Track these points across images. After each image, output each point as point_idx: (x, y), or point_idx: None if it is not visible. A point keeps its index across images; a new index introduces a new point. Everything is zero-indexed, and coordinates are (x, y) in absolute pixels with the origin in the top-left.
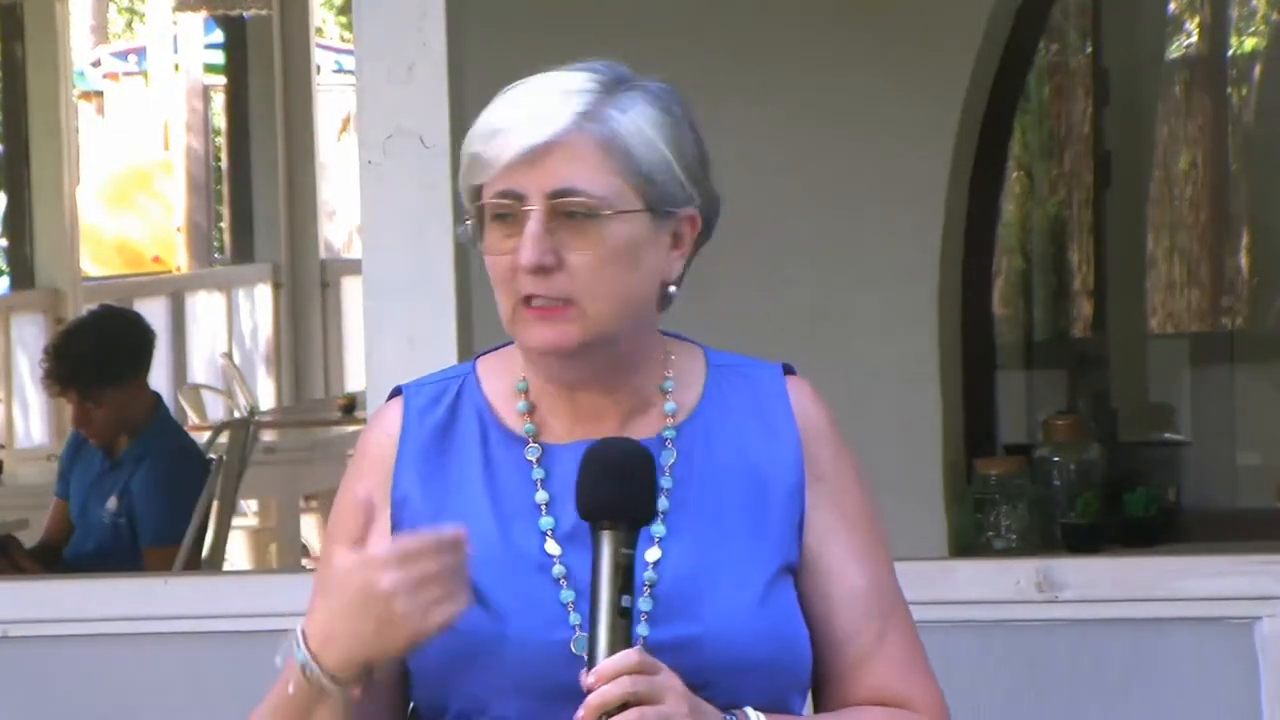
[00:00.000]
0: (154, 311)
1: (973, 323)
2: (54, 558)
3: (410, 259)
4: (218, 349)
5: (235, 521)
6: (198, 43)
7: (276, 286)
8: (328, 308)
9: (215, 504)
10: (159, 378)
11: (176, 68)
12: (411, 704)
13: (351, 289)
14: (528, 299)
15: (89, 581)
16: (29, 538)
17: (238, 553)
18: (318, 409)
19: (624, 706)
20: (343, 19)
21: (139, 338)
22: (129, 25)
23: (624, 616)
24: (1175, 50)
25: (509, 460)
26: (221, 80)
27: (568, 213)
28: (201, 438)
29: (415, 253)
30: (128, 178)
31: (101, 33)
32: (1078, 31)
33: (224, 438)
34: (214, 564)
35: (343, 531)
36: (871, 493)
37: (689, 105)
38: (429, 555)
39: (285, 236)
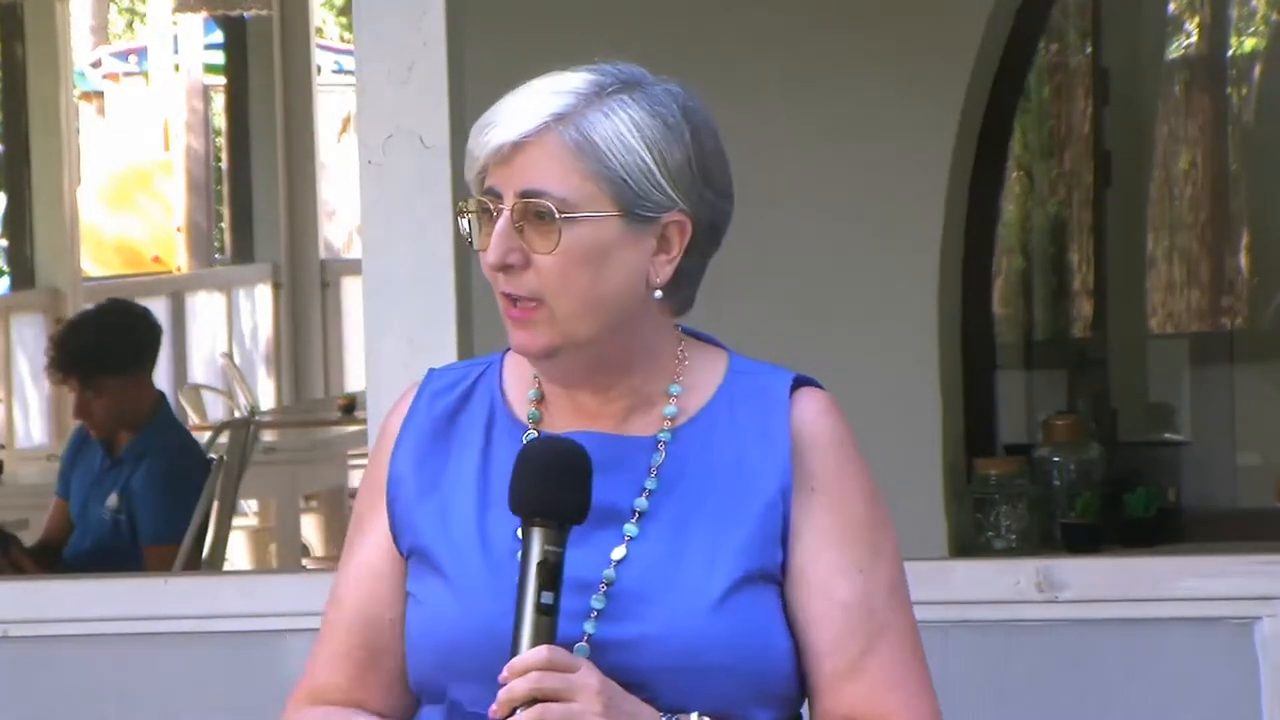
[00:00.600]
0: (154, 311)
1: (973, 323)
2: (54, 557)
3: (410, 259)
4: (218, 349)
5: (235, 521)
6: (198, 43)
7: (276, 286)
8: (328, 308)
9: (215, 504)
10: (159, 378)
11: (176, 68)
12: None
13: (351, 289)
14: (507, 300)
15: (89, 581)
16: (29, 538)
17: (238, 553)
18: (318, 409)
19: (534, 702)
20: (343, 19)
21: (143, 330)
22: (129, 25)
23: (545, 614)
24: (1175, 50)
25: (508, 448)
26: (221, 80)
27: (536, 213)
28: (202, 438)
29: (415, 253)
30: (128, 178)
31: (102, 33)
32: (1078, 31)
33: (224, 438)
34: (214, 564)
35: (357, 521)
36: (881, 509)
37: (700, 110)
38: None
39: (285, 236)
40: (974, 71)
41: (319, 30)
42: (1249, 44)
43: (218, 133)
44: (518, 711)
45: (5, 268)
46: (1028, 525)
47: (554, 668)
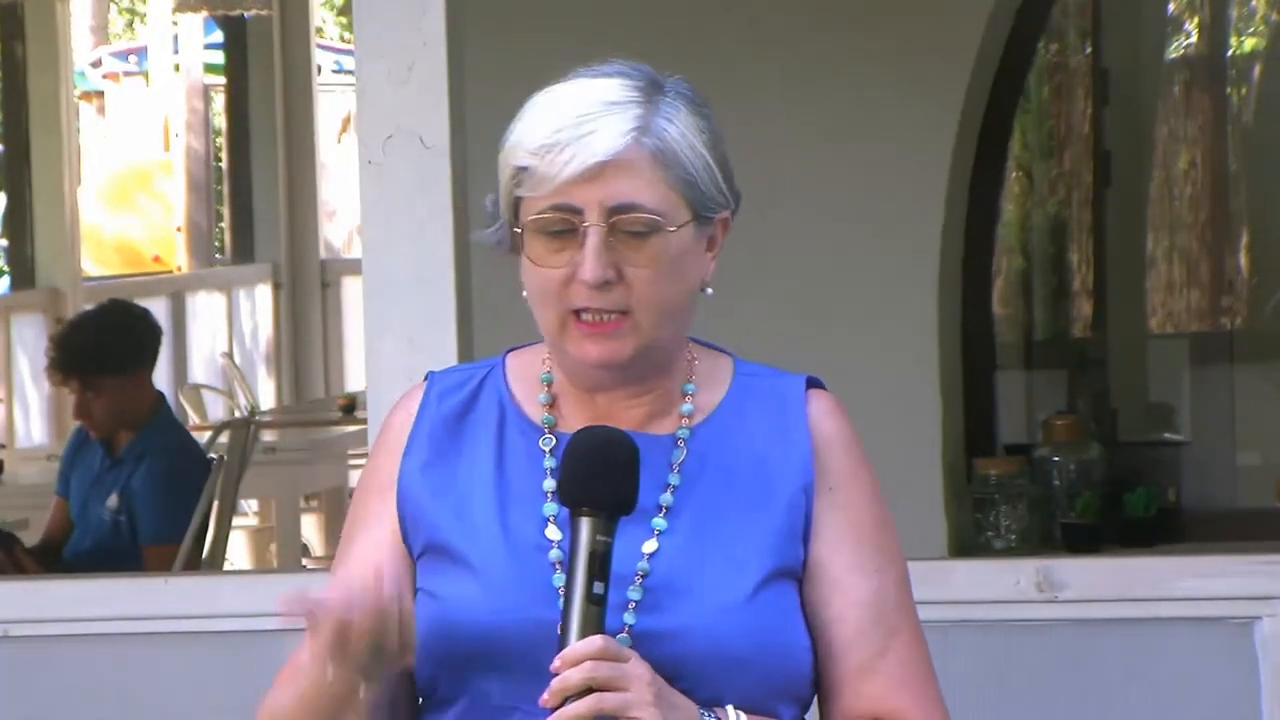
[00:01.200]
0: (154, 311)
1: (973, 323)
2: (54, 557)
3: (410, 259)
4: (218, 349)
5: (235, 521)
6: (198, 43)
7: (276, 286)
8: (328, 308)
9: (215, 504)
10: (159, 378)
11: (176, 68)
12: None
13: (351, 289)
14: (578, 312)
15: (89, 581)
16: (29, 538)
17: (238, 553)
18: (318, 409)
19: (587, 691)
20: (343, 19)
21: (143, 331)
22: (129, 25)
23: (596, 603)
24: (1175, 50)
25: (523, 448)
26: (221, 80)
27: (630, 227)
28: (202, 438)
29: (415, 253)
30: (128, 178)
31: (102, 33)
32: (1078, 31)
33: (224, 438)
34: (214, 564)
35: (358, 516)
36: (888, 510)
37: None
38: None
39: (285, 236)
40: (974, 71)
41: (319, 30)
42: (1249, 44)
43: (218, 133)
44: (566, 701)
45: (5, 268)
46: (1028, 525)
47: (608, 657)
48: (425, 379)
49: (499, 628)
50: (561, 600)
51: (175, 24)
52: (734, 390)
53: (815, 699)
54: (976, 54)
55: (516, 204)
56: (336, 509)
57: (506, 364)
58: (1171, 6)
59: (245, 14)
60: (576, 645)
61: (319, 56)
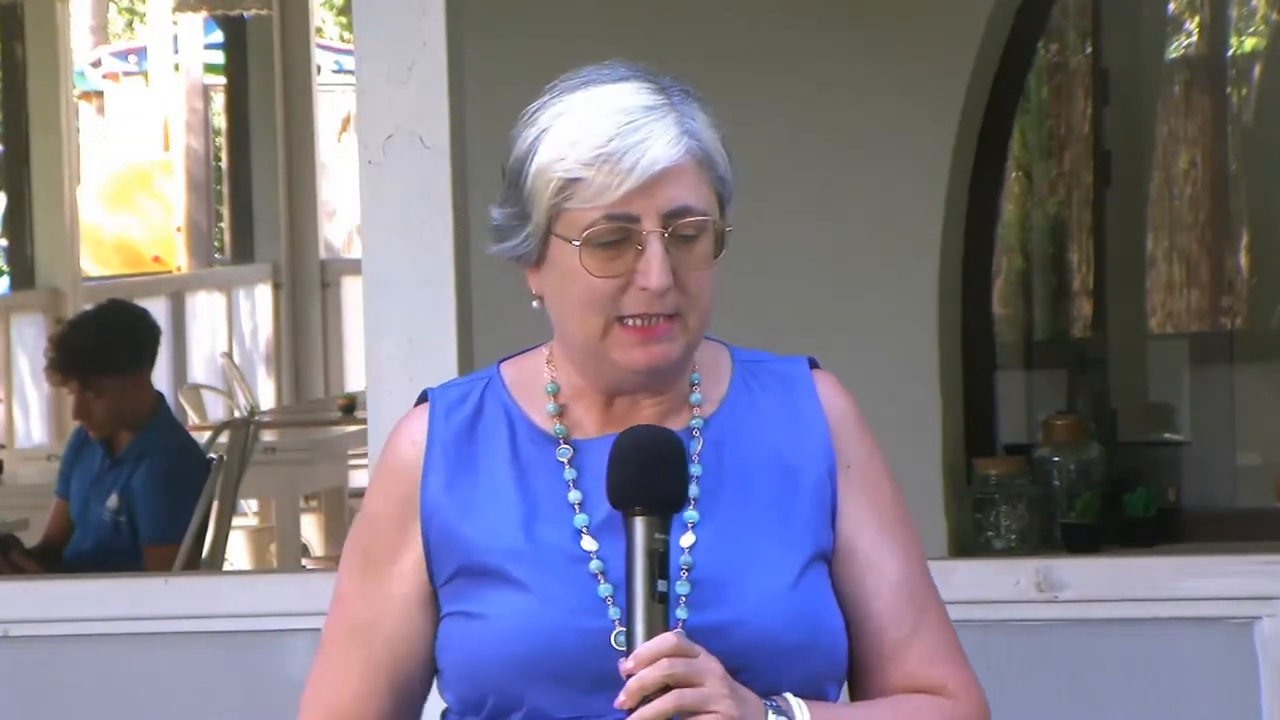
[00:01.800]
0: (154, 311)
1: (973, 323)
2: (54, 557)
3: (410, 259)
4: (218, 349)
5: (235, 521)
6: (198, 43)
7: (276, 286)
8: (328, 308)
9: (215, 504)
10: (159, 378)
11: (176, 68)
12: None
13: (351, 289)
14: (622, 317)
15: (89, 581)
16: (29, 538)
17: (238, 553)
18: (318, 409)
19: (664, 689)
20: (343, 19)
21: (142, 331)
22: (129, 25)
23: (660, 601)
24: (1175, 50)
25: (539, 459)
26: (221, 80)
27: (685, 231)
28: (201, 438)
29: (415, 253)
30: (128, 178)
31: (101, 33)
32: (1078, 31)
33: (224, 438)
34: (214, 564)
35: (368, 552)
36: (895, 481)
37: None
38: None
39: (285, 236)
40: (974, 71)
41: (319, 30)
42: (1249, 44)
43: (218, 132)
44: (644, 700)
45: (5, 268)
46: (1028, 525)
47: (681, 653)
48: (422, 399)
49: (554, 642)
50: (610, 608)
51: (175, 24)
52: (738, 377)
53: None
54: (976, 54)
55: (554, 215)
56: (336, 509)
57: (503, 375)
58: (1171, 6)
59: (245, 14)
60: (649, 643)
61: (319, 56)
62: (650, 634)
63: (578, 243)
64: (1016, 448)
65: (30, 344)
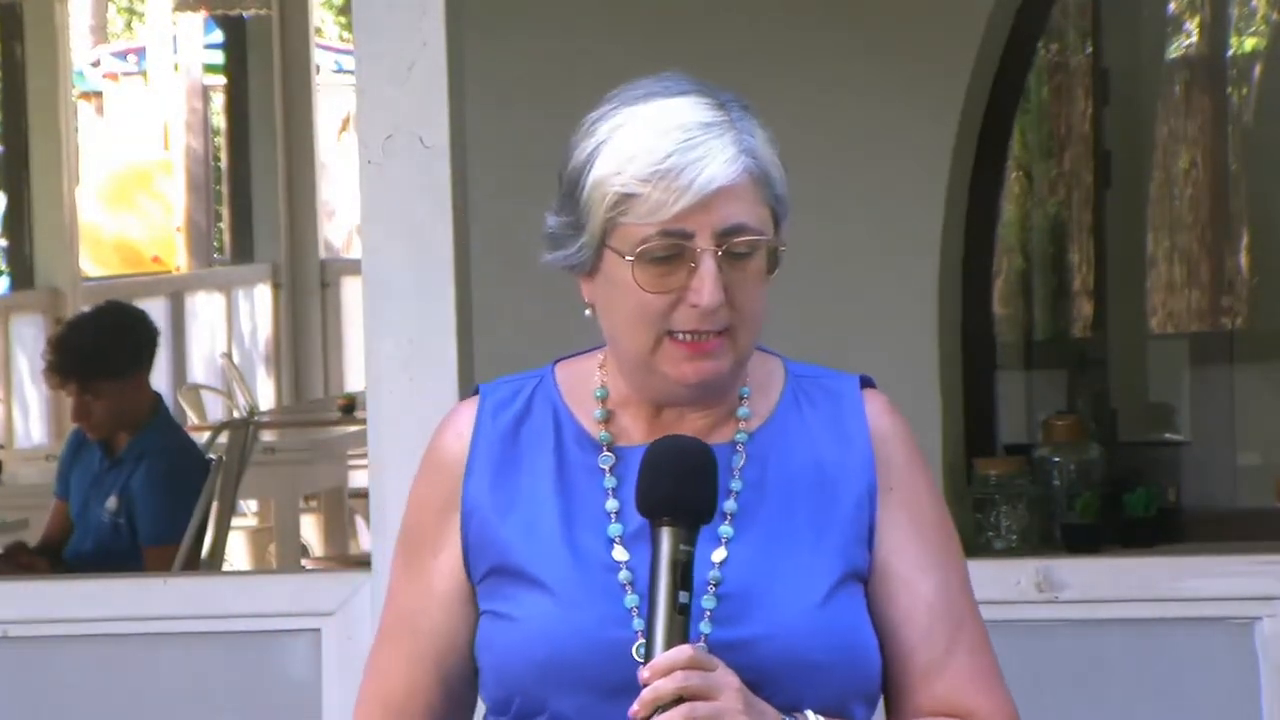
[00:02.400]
0: (154, 311)
1: (973, 323)
2: (54, 558)
3: (410, 259)
4: (218, 349)
5: (235, 521)
6: (197, 43)
7: (276, 286)
8: (328, 308)
9: (215, 504)
10: (159, 378)
11: (176, 68)
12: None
13: (351, 289)
14: (673, 332)
15: (89, 581)
16: (29, 538)
17: (238, 553)
18: (318, 409)
19: (678, 701)
20: (343, 19)
21: (140, 333)
22: (129, 25)
23: (681, 613)
24: (1175, 50)
25: (582, 463)
26: (221, 80)
27: (737, 249)
28: (201, 438)
29: (415, 253)
30: (127, 178)
31: (101, 33)
32: (1078, 31)
33: (224, 438)
34: (214, 564)
35: (411, 543)
36: (945, 507)
37: None
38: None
39: (285, 236)
40: (974, 71)
41: (319, 30)
42: (1249, 44)
43: (217, 132)
44: (657, 710)
45: (5, 268)
46: (1028, 525)
47: (697, 666)
48: (474, 393)
49: (576, 649)
50: (635, 619)
51: (175, 24)
52: (788, 392)
53: (880, 697)
54: (976, 54)
55: (609, 228)
56: (336, 509)
57: (555, 375)
58: (1171, 6)
59: (245, 14)
60: (666, 655)
61: (319, 56)
62: (669, 645)
63: (631, 257)
64: (1016, 448)
65: (30, 344)
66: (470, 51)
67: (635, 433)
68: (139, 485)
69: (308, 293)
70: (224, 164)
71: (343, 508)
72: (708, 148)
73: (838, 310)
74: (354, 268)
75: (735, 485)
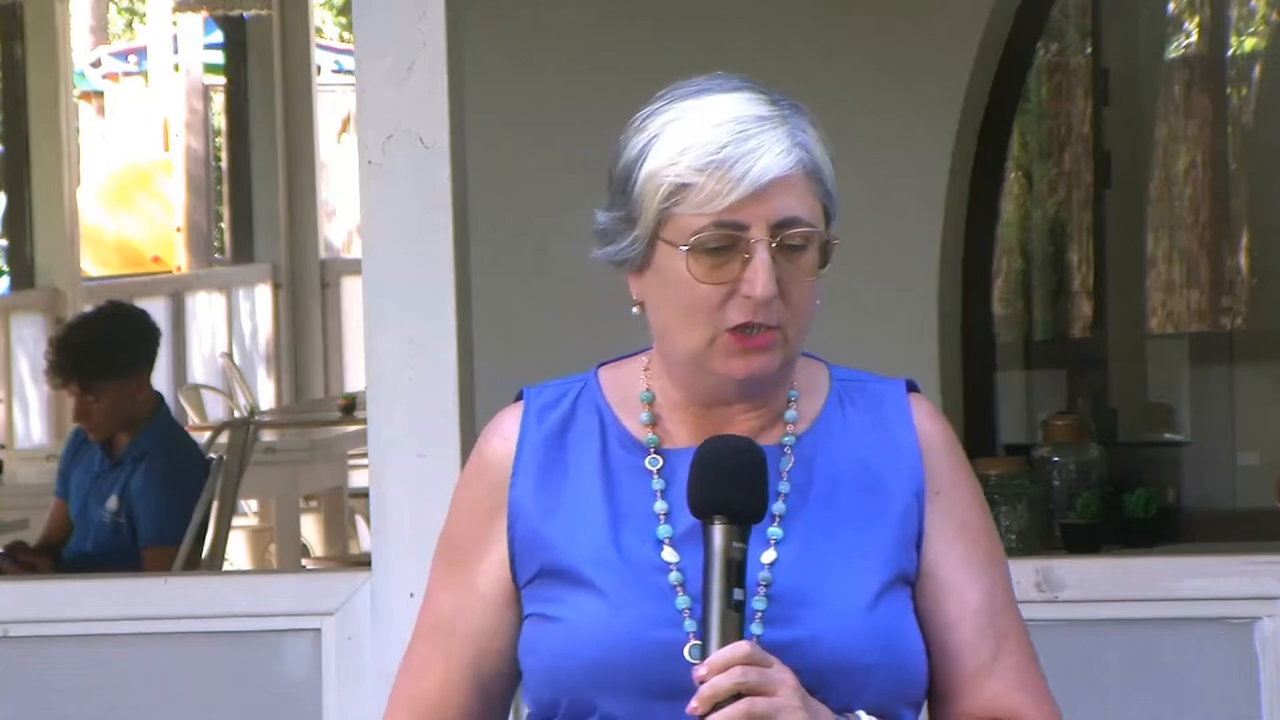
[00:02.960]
0: (154, 311)
1: (973, 323)
2: (54, 558)
3: (410, 259)
4: (218, 349)
5: (235, 521)
6: (198, 43)
7: (276, 286)
8: (328, 308)
9: (215, 504)
10: (159, 378)
11: (176, 68)
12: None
13: (351, 289)
14: (736, 327)
15: (89, 581)
16: (29, 538)
17: (238, 553)
18: (318, 409)
19: (736, 697)
20: (343, 19)
21: (142, 333)
22: (129, 25)
23: (736, 610)
24: (1175, 50)
25: (629, 465)
26: (221, 80)
27: (791, 242)
28: (201, 438)
29: (415, 253)
30: (128, 178)
31: (101, 33)
32: (1078, 31)
33: (224, 438)
34: (214, 564)
35: (454, 546)
36: (989, 511)
37: None
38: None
39: (285, 236)
40: (974, 71)
41: (319, 30)
42: (1249, 44)
43: (217, 133)
44: (716, 707)
45: (5, 268)
46: (1028, 525)
47: (754, 662)
48: (519, 397)
49: (627, 650)
50: (687, 621)
51: (175, 24)
52: (834, 395)
53: (924, 702)
54: (976, 54)
55: (662, 220)
56: (336, 509)
57: (600, 379)
58: (1171, 6)
59: (245, 14)
60: (723, 651)
61: (319, 56)
62: (724, 642)
63: (685, 247)
64: (1016, 448)
65: (30, 344)
66: (470, 51)
67: (682, 435)
68: (139, 485)
69: (308, 293)
70: (224, 164)
71: (343, 508)
72: (762, 139)
73: (837, 310)
74: (354, 268)
75: (783, 487)
